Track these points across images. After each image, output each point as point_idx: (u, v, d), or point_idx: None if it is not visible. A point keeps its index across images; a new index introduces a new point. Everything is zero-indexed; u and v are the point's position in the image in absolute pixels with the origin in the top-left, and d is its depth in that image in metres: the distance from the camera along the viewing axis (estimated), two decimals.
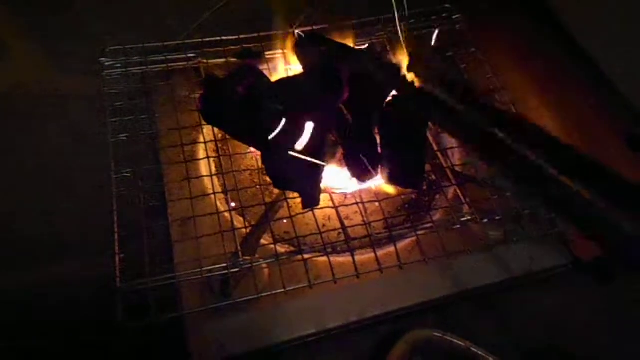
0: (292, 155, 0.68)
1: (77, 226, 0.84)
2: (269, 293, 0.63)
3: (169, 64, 0.83)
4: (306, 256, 0.66)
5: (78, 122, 1.02)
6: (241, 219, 0.74)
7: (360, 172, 0.70)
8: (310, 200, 0.67)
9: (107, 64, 0.81)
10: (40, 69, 1.10)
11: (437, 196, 0.84)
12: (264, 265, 0.69)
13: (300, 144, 0.70)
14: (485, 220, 0.71)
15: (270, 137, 0.68)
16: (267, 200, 0.79)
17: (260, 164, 0.80)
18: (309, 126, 0.71)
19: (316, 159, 0.68)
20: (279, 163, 0.68)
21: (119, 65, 0.81)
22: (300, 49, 0.81)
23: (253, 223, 0.76)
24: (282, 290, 0.63)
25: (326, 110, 0.72)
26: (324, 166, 0.69)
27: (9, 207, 0.90)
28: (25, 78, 1.09)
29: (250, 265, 0.65)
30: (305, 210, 0.69)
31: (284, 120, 0.68)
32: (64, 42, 1.12)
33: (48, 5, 1.15)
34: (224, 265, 0.64)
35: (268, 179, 0.82)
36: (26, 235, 0.85)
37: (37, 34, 1.14)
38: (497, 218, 0.71)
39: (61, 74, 1.10)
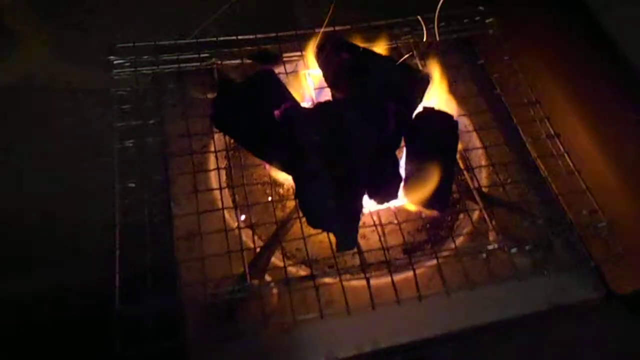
0: (333, 190, 0.62)
1: (80, 230, 0.81)
2: (276, 322, 0.59)
3: (181, 64, 0.78)
4: (318, 281, 0.62)
5: (88, 118, 0.98)
6: (251, 236, 0.70)
7: (381, 193, 0.65)
8: (348, 243, 0.62)
9: (116, 62, 0.77)
10: (52, 61, 1.08)
11: (461, 215, 0.79)
12: (274, 289, 0.65)
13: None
14: (514, 250, 0.65)
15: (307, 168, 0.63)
16: (280, 214, 0.75)
17: (272, 175, 0.76)
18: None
19: (355, 195, 0.63)
20: (317, 197, 0.63)
21: (128, 64, 0.77)
22: (322, 54, 0.76)
23: (264, 239, 0.72)
24: (291, 319, 0.58)
25: (367, 143, 0.66)
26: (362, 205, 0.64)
27: (11, 205, 0.87)
28: (36, 70, 1.06)
29: (257, 290, 0.61)
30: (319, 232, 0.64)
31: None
32: (76, 34, 1.10)
33: None
34: (230, 289, 0.60)
35: (281, 192, 0.79)
36: (27, 237, 0.82)
37: (50, 25, 1.11)
38: (527, 247, 0.65)
39: (73, 67, 1.07)
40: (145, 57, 0.78)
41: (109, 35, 1.03)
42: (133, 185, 0.66)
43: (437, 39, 0.83)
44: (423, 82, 0.73)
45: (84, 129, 0.93)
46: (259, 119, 0.68)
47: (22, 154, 0.91)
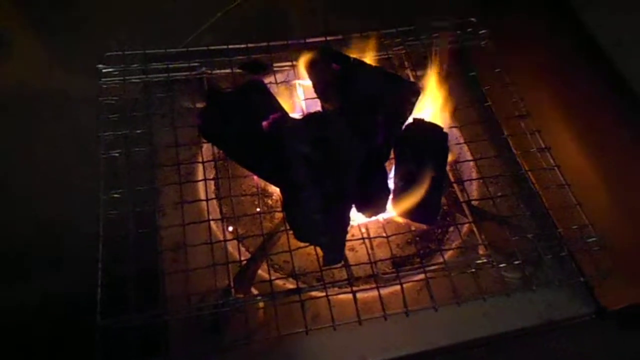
0: (320, 204, 0.62)
1: (65, 240, 0.80)
2: (261, 338, 0.58)
3: (171, 73, 0.77)
4: (304, 295, 0.61)
5: (80, 126, 0.97)
6: (238, 249, 0.69)
7: (369, 206, 0.64)
8: (335, 257, 0.61)
9: (104, 70, 0.76)
10: (45, 67, 1.07)
11: (451, 229, 0.78)
12: (259, 302, 0.64)
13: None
14: (503, 265, 0.65)
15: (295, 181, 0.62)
16: (268, 225, 0.74)
17: (261, 186, 0.75)
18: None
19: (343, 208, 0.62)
20: (304, 210, 0.62)
21: (117, 72, 0.76)
22: (312, 64, 0.75)
23: (251, 251, 0.71)
24: (276, 334, 0.58)
25: (356, 156, 0.65)
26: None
27: (0, 211, 0.86)
28: (29, 77, 1.06)
29: (242, 304, 0.60)
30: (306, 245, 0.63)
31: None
32: (69, 41, 1.09)
33: (53, 3, 1.11)
34: (214, 303, 0.59)
35: (270, 203, 0.78)
36: (10, 247, 0.81)
37: (42, 31, 1.10)
38: (516, 262, 0.65)
39: (65, 74, 1.06)
40: (135, 65, 0.77)
41: (101, 43, 1.02)
42: (118, 196, 0.65)
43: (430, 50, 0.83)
44: (413, 93, 0.72)
45: (74, 138, 0.92)
46: (247, 129, 0.67)
47: (9, 163, 0.90)
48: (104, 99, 0.73)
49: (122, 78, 0.75)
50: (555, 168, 0.72)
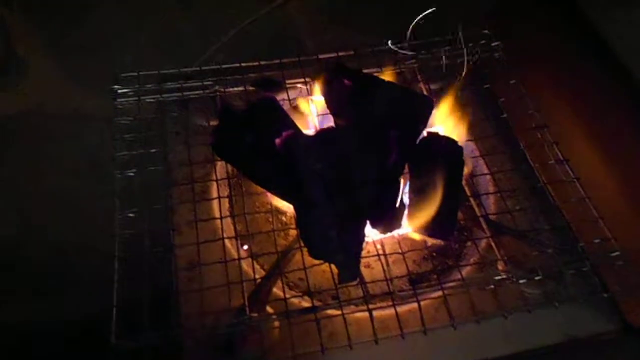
0: (335, 220, 0.61)
1: (81, 260, 0.81)
2: (276, 357, 0.57)
3: (185, 92, 0.78)
4: (320, 313, 0.60)
5: (93, 146, 0.99)
6: (252, 267, 0.68)
7: (384, 222, 0.63)
8: (351, 274, 0.61)
9: (119, 91, 0.77)
10: (60, 88, 1.09)
11: (468, 244, 0.76)
12: (274, 321, 0.63)
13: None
14: (523, 281, 0.63)
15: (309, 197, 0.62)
16: (282, 242, 0.74)
17: (275, 203, 0.75)
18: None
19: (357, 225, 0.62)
20: (318, 227, 0.62)
21: (132, 93, 0.77)
22: (325, 81, 0.75)
23: (266, 269, 0.71)
24: (291, 354, 0.57)
25: (370, 171, 0.65)
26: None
27: (17, 232, 0.87)
28: (45, 98, 1.08)
29: (256, 324, 0.59)
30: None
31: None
32: (83, 61, 1.11)
33: (68, 23, 1.13)
34: (228, 322, 0.59)
35: (284, 220, 0.77)
36: (26, 266, 0.82)
37: (57, 51, 1.13)
38: (537, 278, 0.63)
39: (81, 93, 1.08)
40: (149, 85, 0.78)
41: (116, 64, 1.04)
42: (133, 215, 0.65)
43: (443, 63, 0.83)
44: (427, 107, 0.72)
45: (89, 158, 0.94)
46: (260, 147, 0.67)
47: (25, 183, 0.92)
48: (120, 119, 0.74)
49: (137, 98, 0.76)
50: (575, 180, 0.70)
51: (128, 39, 1.13)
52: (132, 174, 0.69)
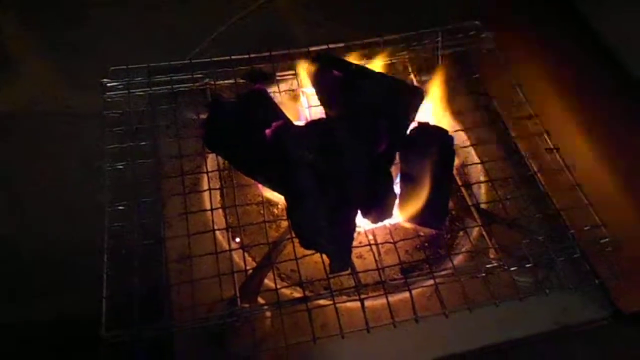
0: (326, 210, 0.61)
1: (72, 253, 0.80)
2: (268, 348, 0.57)
3: (175, 85, 0.78)
4: (312, 303, 0.60)
5: (88, 143, 0.98)
6: (243, 258, 0.68)
7: (375, 212, 0.63)
8: (342, 264, 0.60)
9: (109, 84, 0.76)
10: (53, 86, 1.09)
11: (460, 233, 0.76)
12: (267, 312, 0.63)
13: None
14: (514, 269, 0.63)
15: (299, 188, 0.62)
16: (274, 234, 0.74)
17: (266, 195, 0.75)
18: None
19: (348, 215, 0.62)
20: (309, 217, 0.61)
21: (121, 86, 0.76)
22: (315, 71, 0.75)
23: (257, 260, 0.70)
24: (283, 345, 0.57)
25: (360, 161, 0.64)
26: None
27: (9, 229, 0.87)
28: (37, 95, 1.08)
29: (248, 315, 0.59)
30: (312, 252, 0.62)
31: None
32: (77, 58, 1.11)
33: (61, 21, 1.13)
34: (220, 314, 0.58)
35: (275, 212, 0.77)
36: (24, 260, 0.81)
37: (50, 50, 1.12)
38: (528, 265, 0.63)
39: (73, 91, 1.08)
40: (139, 78, 0.77)
41: (106, 59, 1.03)
42: (123, 208, 0.65)
43: (434, 54, 0.83)
44: (417, 97, 0.72)
45: (80, 153, 0.93)
46: (251, 138, 0.67)
47: (17, 179, 0.91)
48: (109, 112, 0.74)
49: (126, 91, 0.76)
50: (565, 168, 0.70)
51: (121, 36, 1.13)
52: (121, 167, 0.69)
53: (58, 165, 0.96)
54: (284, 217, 0.75)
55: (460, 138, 0.78)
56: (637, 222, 0.67)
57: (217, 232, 0.66)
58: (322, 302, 0.62)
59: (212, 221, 0.66)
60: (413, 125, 0.71)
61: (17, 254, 0.84)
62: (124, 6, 1.19)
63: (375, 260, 0.64)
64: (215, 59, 0.80)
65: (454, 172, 0.72)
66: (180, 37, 1.12)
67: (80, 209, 0.87)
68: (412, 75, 0.82)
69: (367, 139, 0.66)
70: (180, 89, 0.78)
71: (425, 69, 0.83)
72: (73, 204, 0.89)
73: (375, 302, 0.64)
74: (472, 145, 0.76)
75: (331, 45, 0.82)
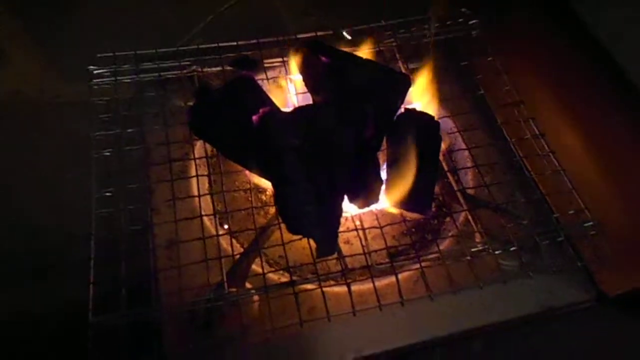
0: (312, 195, 0.61)
1: (59, 241, 0.80)
2: (256, 331, 0.57)
3: (162, 73, 0.78)
4: (299, 287, 0.61)
5: (75, 132, 0.98)
6: (230, 244, 0.68)
7: (361, 197, 0.64)
8: (329, 249, 0.61)
9: (95, 72, 0.76)
10: (40, 75, 1.08)
11: (447, 219, 0.77)
12: (255, 296, 0.63)
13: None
14: (499, 252, 0.64)
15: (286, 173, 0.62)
16: (262, 220, 0.74)
17: (253, 181, 0.75)
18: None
19: (335, 200, 0.62)
20: (296, 202, 0.61)
21: (108, 73, 0.76)
22: (302, 58, 0.75)
23: (245, 246, 0.71)
24: (270, 328, 0.57)
25: (347, 146, 0.65)
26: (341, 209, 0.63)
27: None
28: (25, 85, 1.06)
29: (235, 298, 0.59)
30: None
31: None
32: (64, 48, 1.09)
33: (48, 10, 1.12)
34: (207, 297, 0.59)
35: (263, 198, 0.78)
36: (10, 247, 0.81)
37: (38, 39, 1.11)
38: (513, 249, 0.64)
39: (61, 81, 1.07)
40: (126, 66, 0.77)
41: (93, 47, 1.03)
42: (110, 194, 0.65)
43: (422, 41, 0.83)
44: (404, 83, 0.72)
45: (67, 140, 0.93)
46: (238, 124, 0.67)
47: (6, 168, 0.91)
48: (96, 99, 0.74)
49: (113, 78, 0.76)
50: (550, 154, 0.71)
51: (109, 25, 1.12)
52: (108, 153, 0.69)
53: (42, 151, 0.95)
54: (272, 204, 0.75)
55: (447, 124, 0.79)
56: (619, 205, 0.68)
57: (205, 218, 0.66)
58: (309, 286, 0.63)
59: (200, 207, 0.66)
60: (400, 111, 0.71)
61: (3, 241, 0.84)
62: None
63: (362, 245, 0.65)
64: (202, 46, 0.80)
65: (441, 157, 0.73)
66: (168, 26, 1.11)
67: (67, 196, 0.87)
68: (400, 63, 0.83)
69: (354, 125, 0.67)
70: (168, 76, 0.78)
71: (414, 56, 0.83)
72: (60, 192, 0.89)
73: (361, 287, 0.65)
74: (458, 131, 0.77)
75: (319, 33, 0.82)
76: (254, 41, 0.80)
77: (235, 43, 0.80)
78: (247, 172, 0.72)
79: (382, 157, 0.69)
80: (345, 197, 0.64)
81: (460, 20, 0.85)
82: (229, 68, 0.79)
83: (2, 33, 1.12)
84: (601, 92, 0.71)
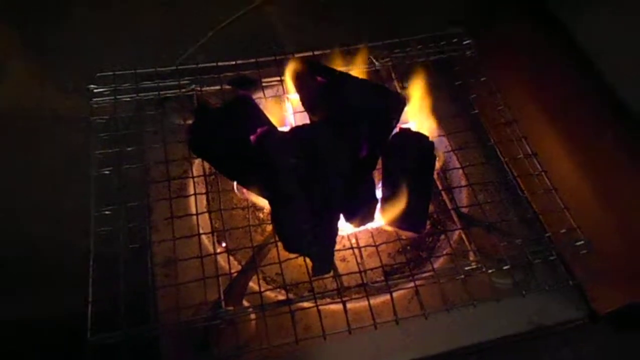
0: (308, 214, 0.62)
1: (57, 258, 0.81)
2: (253, 349, 0.58)
3: (161, 91, 0.79)
4: (295, 306, 0.61)
5: (73, 146, 0.99)
6: (228, 262, 0.69)
7: (357, 216, 0.65)
8: (325, 267, 0.62)
9: (95, 90, 0.77)
10: (38, 88, 1.08)
11: (442, 236, 0.78)
12: (252, 315, 0.64)
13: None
14: (492, 270, 0.65)
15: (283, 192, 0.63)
16: (259, 238, 0.75)
17: (251, 199, 0.76)
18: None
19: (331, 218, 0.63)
20: (293, 220, 0.62)
21: (108, 92, 0.77)
22: (299, 77, 0.77)
23: (242, 264, 0.72)
24: (266, 346, 0.58)
25: (343, 166, 0.66)
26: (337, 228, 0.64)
27: None
28: (22, 97, 1.07)
29: (232, 317, 0.60)
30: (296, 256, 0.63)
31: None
32: (61, 61, 1.10)
33: (48, 25, 1.13)
34: (204, 316, 0.59)
35: (261, 216, 0.79)
36: (8, 263, 0.81)
37: (35, 51, 1.12)
38: (506, 267, 0.65)
39: (59, 94, 1.07)
40: (126, 84, 0.78)
41: (93, 64, 1.04)
42: (109, 212, 0.66)
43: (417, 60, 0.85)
44: (399, 103, 0.74)
45: (66, 157, 0.93)
46: (236, 144, 0.68)
47: (3, 181, 0.91)
48: (96, 118, 0.75)
49: (113, 97, 0.77)
50: (542, 173, 0.72)
51: (105, 38, 1.13)
52: (107, 172, 0.70)
53: (41, 167, 0.96)
54: (269, 222, 0.76)
55: (442, 143, 0.80)
56: (611, 224, 0.69)
57: (203, 236, 0.67)
58: (305, 304, 0.64)
59: (198, 225, 0.67)
60: (395, 130, 0.72)
61: (1, 256, 0.84)
62: (108, 7, 1.19)
63: (358, 263, 0.66)
64: (201, 65, 0.81)
65: (435, 176, 0.74)
66: (165, 41, 1.12)
67: (65, 211, 0.87)
68: (395, 82, 0.84)
69: (349, 145, 0.68)
70: (167, 95, 0.79)
71: (409, 76, 0.85)
72: (55, 206, 0.89)
73: (357, 304, 0.66)
74: (452, 150, 0.78)
75: (316, 52, 0.83)
76: (253, 60, 0.82)
77: (234, 62, 0.81)
78: (244, 190, 0.73)
79: (377, 176, 0.70)
80: (341, 215, 0.65)
81: (455, 40, 0.87)
82: (227, 87, 0.80)
83: (1, 47, 1.13)
84: (594, 112, 0.72)
